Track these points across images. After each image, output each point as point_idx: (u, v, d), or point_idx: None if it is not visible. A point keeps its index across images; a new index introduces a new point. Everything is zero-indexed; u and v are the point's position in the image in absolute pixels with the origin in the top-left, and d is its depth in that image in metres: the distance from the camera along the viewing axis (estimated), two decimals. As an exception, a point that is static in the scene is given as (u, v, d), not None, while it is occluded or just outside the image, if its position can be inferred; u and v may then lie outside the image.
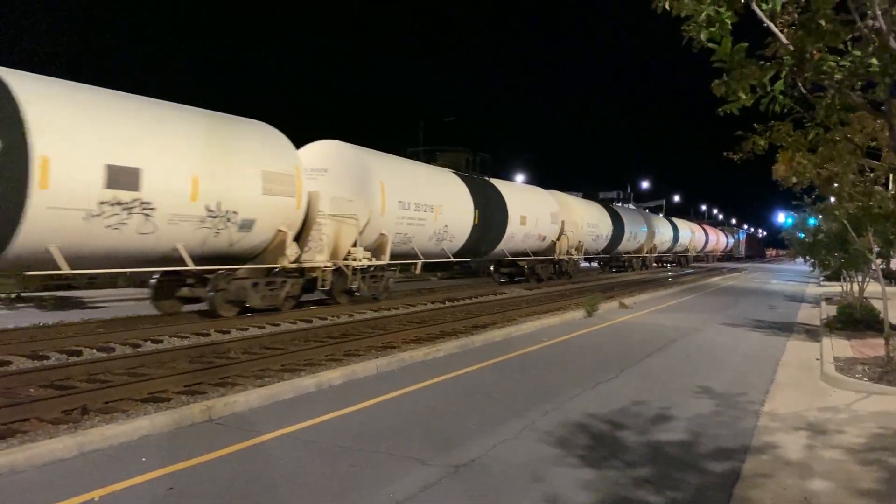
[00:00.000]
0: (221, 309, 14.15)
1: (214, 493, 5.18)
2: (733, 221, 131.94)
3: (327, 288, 16.82)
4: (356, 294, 18.07)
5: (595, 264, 45.01)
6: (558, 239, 30.48)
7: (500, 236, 24.67)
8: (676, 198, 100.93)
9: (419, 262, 20.59)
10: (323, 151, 18.29)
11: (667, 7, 5.99)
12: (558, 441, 6.59)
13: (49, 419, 6.90)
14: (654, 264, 51.64)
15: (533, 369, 10.32)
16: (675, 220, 60.26)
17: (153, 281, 14.53)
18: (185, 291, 14.61)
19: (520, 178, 52.41)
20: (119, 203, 11.49)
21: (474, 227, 22.34)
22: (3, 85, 10.32)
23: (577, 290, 26.06)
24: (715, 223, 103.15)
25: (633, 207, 61.84)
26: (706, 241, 71.63)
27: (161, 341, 11.52)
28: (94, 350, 10.54)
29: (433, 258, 21.33)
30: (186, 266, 12.97)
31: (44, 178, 10.37)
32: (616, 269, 44.92)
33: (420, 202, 19.71)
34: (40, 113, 10.43)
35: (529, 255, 28.23)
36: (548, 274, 30.21)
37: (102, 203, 11.27)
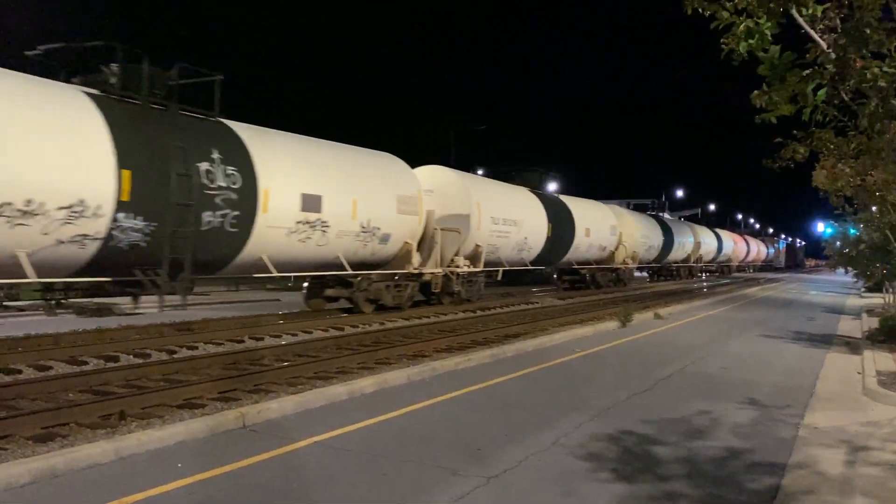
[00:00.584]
0: (363, 306, 17.26)
1: (247, 500, 5.22)
2: (770, 231, 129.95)
3: (437, 291, 19.99)
4: (455, 296, 20.72)
5: (644, 273, 46.43)
6: (616, 249, 33.09)
7: (569, 247, 27.84)
8: (712, 206, 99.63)
9: (501, 270, 23.19)
10: (429, 175, 21.01)
11: (699, 10, 5.91)
12: (591, 454, 6.51)
13: (88, 424, 7.02)
14: (699, 274, 53.34)
15: (565, 380, 10.24)
16: (718, 230, 61.19)
17: (306, 284, 17.86)
18: (329, 292, 17.64)
19: (552, 186, 52.10)
20: (308, 222, 14.95)
21: (547, 238, 25.61)
22: (239, 139, 13.75)
23: (610, 300, 25.84)
24: (752, 233, 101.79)
25: (670, 217, 61.80)
26: (747, 252, 72.60)
27: (196, 348, 11.67)
28: (131, 356, 10.71)
29: (514, 266, 24.31)
30: (344, 271, 16.49)
31: (265, 205, 13.73)
32: (665, 277, 46.87)
33: (507, 217, 22.77)
34: (261, 158, 13.89)
35: (591, 264, 31.14)
36: (606, 281, 32.78)
37: (298, 222, 14.72)
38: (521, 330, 15.31)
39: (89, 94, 11.28)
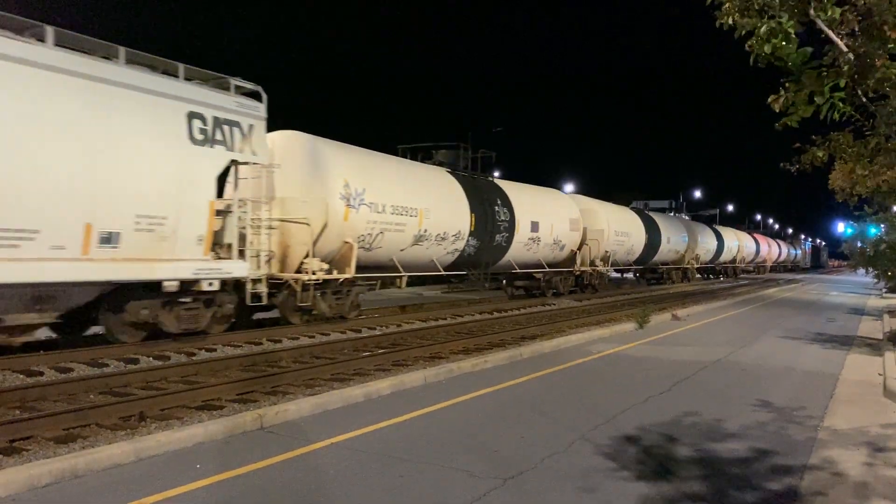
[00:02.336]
0: (547, 292, 25.83)
1: (265, 502, 5.26)
2: (790, 231, 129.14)
3: (586, 283, 28.23)
4: (590, 287, 28.62)
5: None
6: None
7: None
8: (730, 207, 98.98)
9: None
10: (578, 202, 28.59)
11: (730, 23, 5.96)
12: (609, 455, 6.50)
13: (108, 425, 7.11)
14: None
15: (583, 381, 10.22)
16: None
17: (504, 280, 26.15)
18: (518, 283, 26.00)
19: (569, 188, 51.95)
20: (532, 239, 23.60)
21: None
22: (503, 191, 22.63)
23: (628, 301, 25.75)
24: (772, 234, 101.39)
25: (678, 216, 60.08)
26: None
27: (215, 350, 11.77)
28: (151, 358, 10.82)
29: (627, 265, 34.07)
30: (542, 268, 25.34)
31: (517, 229, 22.43)
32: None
33: (624, 231, 31.87)
34: (515, 202, 22.60)
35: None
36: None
37: (529, 239, 23.35)
38: (538, 331, 15.29)
39: (451, 174, 20.69)
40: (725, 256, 54.95)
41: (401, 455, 6.37)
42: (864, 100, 6.41)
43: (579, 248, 27.32)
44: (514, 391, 9.36)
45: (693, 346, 14.14)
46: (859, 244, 26.60)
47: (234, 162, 12.40)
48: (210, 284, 11.84)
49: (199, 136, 11.65)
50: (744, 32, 5.90)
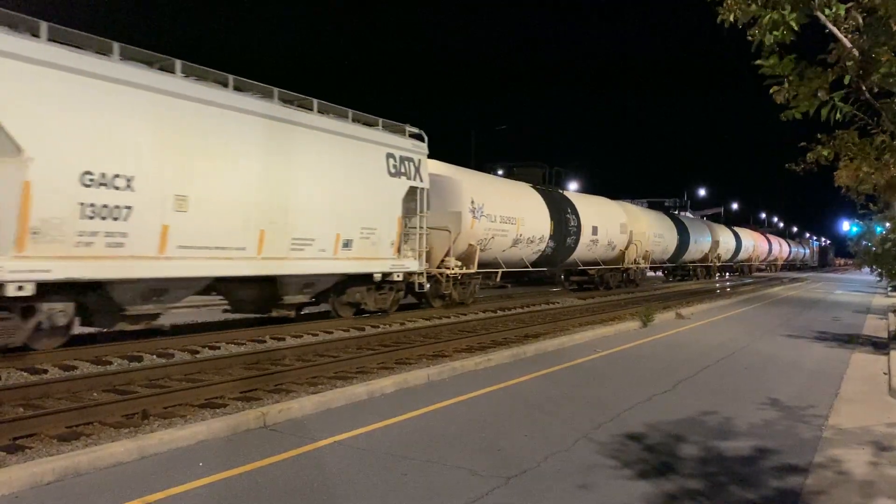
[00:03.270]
0: (601, 285, 30.53)
1: (268, 500, 5.25)
2: (794, 230, 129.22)
3: (630, 278, 33.16)
4: (633, 283, 33.65)
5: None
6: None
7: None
8: (735, 205, 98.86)
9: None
10: (628, 210, 32.89)
11: (731, 20, 5.95)
12: (612, 453, 6.48)
13: (111, 423, 7.12)
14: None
15: (586, 380, 10.20)
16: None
17: (562, 275, 30.76)
18: (574, 278, 30.42)
19: (572, 186, 52.22)
20: (593, 240, 28.08)
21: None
22: (570, 200, 27.30)
23: (632, 299, 25.70)
24: (779, 233, 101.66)
25: (691, 216, 62.11)
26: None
27: (218, 348, 11.77)
28: (154, 356, 10.82)
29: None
30: (599, 266, 30.25)
31: (583, 233, 26.95)
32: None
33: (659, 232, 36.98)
34: (579, 207, 27.21)
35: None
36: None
37: (590, 240, 27.98)
38: (542, 330, 15.27)
39: (534, 188, 25.72)
40: (742, 255, 59.12)
41: (404, 453, 6.36)
42: (869, 97, 6.37)
43: (626, 248, 32.12)
44: (518, 389, 9.34)
45: (697, 344, 14.11)
46: (864, 242, 26.50)
47: (410, 187, 16.71)
48: (398, 276, 16.57)
49: (392, 170, 16.22)
50: (747, 21, 5.88)
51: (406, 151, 16.67)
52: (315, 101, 13.98)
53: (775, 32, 5.69)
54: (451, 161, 21.30)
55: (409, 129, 16.97)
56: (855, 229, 30.64)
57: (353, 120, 15.13)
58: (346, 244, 14.73)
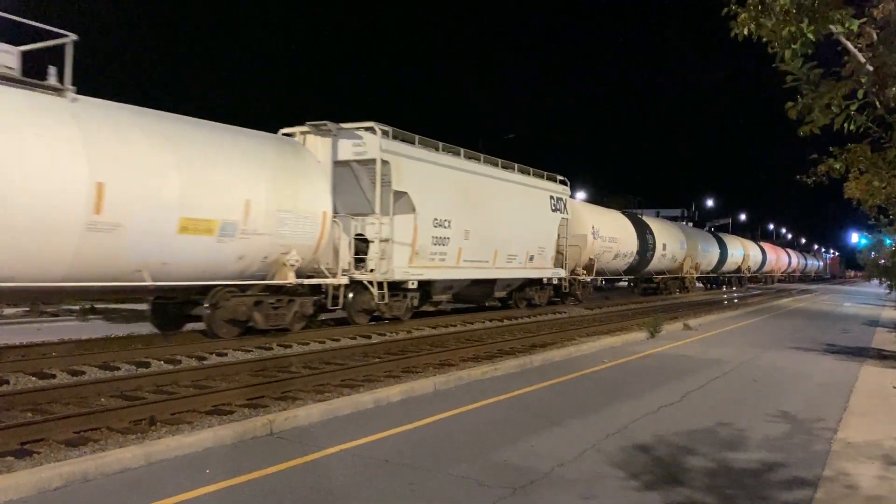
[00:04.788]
0: (664, 290, 37.95)
1: (274, 507, 5.25)
2: (802, 241, 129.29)
3: (686, 286, 40.81)
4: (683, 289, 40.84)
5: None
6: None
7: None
8: (742, 216, 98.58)
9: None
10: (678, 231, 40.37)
11: (746, 33, 5.97)
12: (620, 464, 6.45)
13: (119, 429, 7.12)
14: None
15: (594, 391, 10.17)
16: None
17: (632, 283, 38.04)
18: (644, 285, 37.75)
19: (580, 195, 52.54)
20: (661, 254, 35.21)
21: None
22: (645, 221, 34.94)
23: (640, 310, 25.63)
24: (784, 243, 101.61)
25: (704, 230, 63.46)
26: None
27: (226, 354, 11.79)
28: (162, 362, 10.85)
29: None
30: (664, 275, 38.49)
31: (656, 248, 34.65)
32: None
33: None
34: (654, 227, 35.04)
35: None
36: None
37: (660, 255, 35.21)
38: (549, 339, 15.24)
39: (623, 213, 34.07)
40: (766, 267, 66.47)
41: (410, 462, 6.35)
42: (883, 111, 6.36)
43: (684, 261, 40.36)
44: (525, 399, 9.32)
45: (705, 356, 14.05)
46: (873, 254, 26.38)
47: (562, 218, 24.19)
48: (555, 280, 24.07)
49: (552, 208, 23.75)
50: (764, 39, 5.91)
51: (558, 193, 24.22)
52: (516, 165, 21.70)
53: (794, 45, 5.71)
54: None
55: (559, 177, 24.34)
56: (864, 241, 30.53)
57: (534, 175, 22.84)
58: (531, 258, 22.13)
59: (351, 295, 15.69)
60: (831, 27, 5.70)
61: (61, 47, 10.20)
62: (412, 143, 16.96)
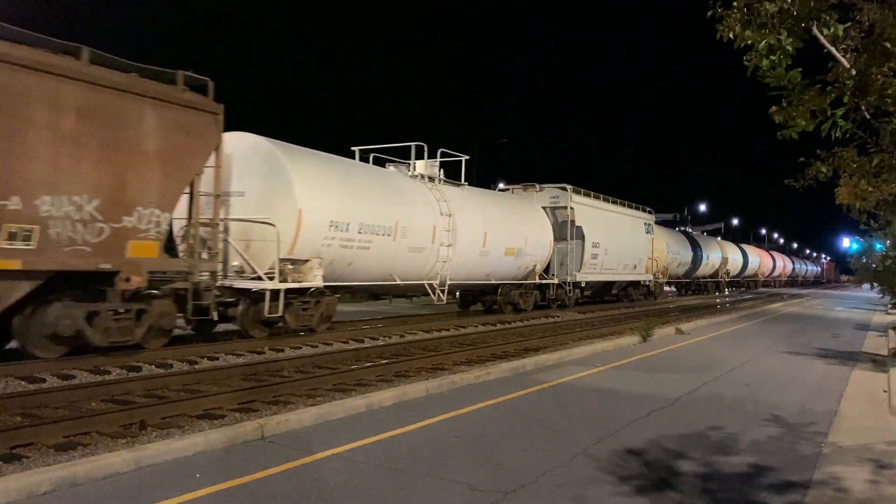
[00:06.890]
0: (703, 290, 51.24)
1: (265, 511, 5.23)
2: (794, 246, 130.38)
3: (721, 287, 54.06)
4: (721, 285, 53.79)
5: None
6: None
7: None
8: (735, 221, 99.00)
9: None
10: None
11: (731, 36, 5.99)
12: (611, 469, 6.46)
13: (108, 433, 7.10)
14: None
15: (586, 395, 10.17)
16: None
17: (675, 286, 48.09)
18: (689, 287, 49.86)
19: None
20: (704, 263, 47.61)
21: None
22: (695, 237, 48.65)
23: (632, 314, 25.69)
24: (776, 248, 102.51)
25: (704, 234, 66.39)
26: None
27: (217, 358, 11.76)
28: (153, 366, 10.81)
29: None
30: (706, 279, 52.20)
31: (702, 259, 47.39)
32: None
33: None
34: (701, 242, 49.16)
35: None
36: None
37: (703, 263, 47.72)
38: (541, 344, 15.25)
39: (682, 232, 50.82)
40: (748, 271, 66.96)
41: (402, 466, 6.34)
42: (868, 116, 6.41)
43: (719, 267, 50.70)
44: (518, 403, 9.32)
45: (697, 360, 14.08)
46: (864, 259, 26.53)
47: (651, 238, 33.13)
48: (647, 283, 34.85)
49: (646, 232, 33.63)
50: (743, 45, 5.93)
51: (648, 219, 34.21)
52: (626, 203, 31.50)
53: (772, 57, 5.73)
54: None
55: (647, 208, 34.28)
56: (855, 246, 30.71)
57: (635, 208, 32.57)
58: (635, 266, 31.90)
59: (556, 290, 25.47)
60: (816, 33, 5.74)
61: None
62: (579, 193, 26.49)
